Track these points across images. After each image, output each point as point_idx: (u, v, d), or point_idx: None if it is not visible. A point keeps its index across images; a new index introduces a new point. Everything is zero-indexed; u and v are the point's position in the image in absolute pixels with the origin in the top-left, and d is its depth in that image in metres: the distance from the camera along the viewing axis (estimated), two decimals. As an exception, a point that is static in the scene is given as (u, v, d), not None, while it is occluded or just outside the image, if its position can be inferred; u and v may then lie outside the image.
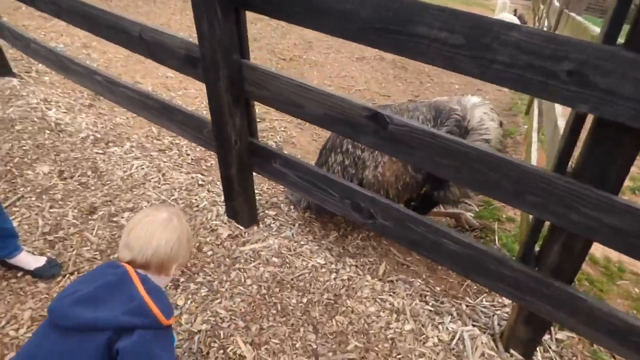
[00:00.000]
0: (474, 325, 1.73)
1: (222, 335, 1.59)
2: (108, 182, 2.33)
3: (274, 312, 1.70)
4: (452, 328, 1.70)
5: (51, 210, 2.11)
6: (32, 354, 0.90)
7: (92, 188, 2.28)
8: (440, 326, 1.71)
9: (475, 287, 1.97)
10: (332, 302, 1.76)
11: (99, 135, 2.77)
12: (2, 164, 2.41)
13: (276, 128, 3.36)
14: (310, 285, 1.83)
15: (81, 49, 4.47)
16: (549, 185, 1.19)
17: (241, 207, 2.04)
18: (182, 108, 2.06)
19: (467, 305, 1.84)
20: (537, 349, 1.65)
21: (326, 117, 1.55)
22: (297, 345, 1.58)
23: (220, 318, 1.65)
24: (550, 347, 1.69)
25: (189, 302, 1.70)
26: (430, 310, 1.78)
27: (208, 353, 1.52)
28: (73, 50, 4.37)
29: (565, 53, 1.00)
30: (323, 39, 6.22)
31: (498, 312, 1.85)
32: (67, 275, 1.77)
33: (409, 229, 1.58)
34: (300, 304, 1.74)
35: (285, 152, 1.83)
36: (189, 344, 1.55)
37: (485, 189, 1.32)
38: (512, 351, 1.64)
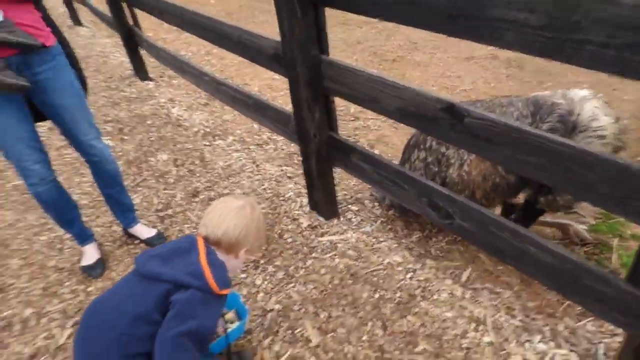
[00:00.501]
0: (571, 350, 1.52)
1: (292, 317, 1.66)
2: (210, 171, 2.61)
3: (344, 303, 1.72)
4: (542, 349, 1.52)
5: (164, 191, 2.44)
6: (116, 290, 1.16)
7: (198, 175, 2.57)
8: (527, 344, 1.54)
9: (578, 309, 1.72)
10: (405, 301, 1.71)
11: (208, 130, 3.10)
12: (135, 152, 2.86)
13: (370, 127, 3.36)
14: (384, 281, 1.80)
15: (204, 55, 5.04)
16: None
17: (321, 200, 2.10)
18: (273, 104, 2.20)
19: (565, 327, 1.62)
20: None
21: (401, 110, 1.52)
22: (363, 338, 1.58)
23: (293, 301, 1.73)
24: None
25: (265, 282, 1.81)
26: (517, 326, 1.61)
27: (277, 331, 1.61)
28: (198, 57, 4.95)
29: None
30: (430, 39, 6.01)
31: (606, 339, 1.59)
32: (170, 248, 2.03)
33: (491, 233, 1.46)
34: (371, 299, 1.73)
35: (364, 147, 1.83)
36: (262, 320, 1.65)
37: (580, 193, 1.16)
38: (615, 385, 1.40)
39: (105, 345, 1.02)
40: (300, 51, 1.68)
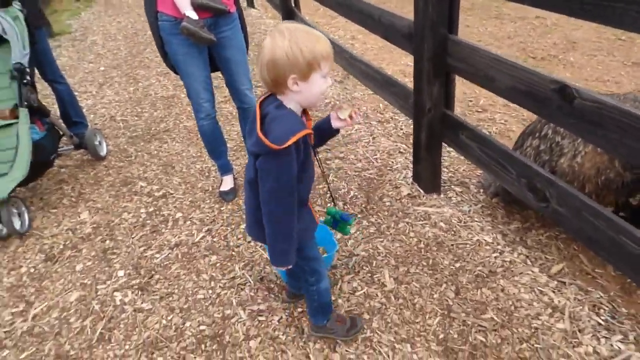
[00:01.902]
0: (653, 358, 1.43)
1: (374, 264, 1.87)
2: (334, 137, 2.92)
3: (424, 264, 1.86)
4: (618, 347, 1.45)
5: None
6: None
7: (321, 139, 2.92)
8: (603, 340, 1.49)
9: (679, 326, 1.57)
10: (484, 275, 1.78)
11: (337, 103, 3.43)
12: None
13: (496, 120, 3.29)
14: (468, 255, 1.88)
15: (349, 40, 5.40)
16: None
17: (425, 173, 2.23)
18: (397, 80, 2.39)
19: (656, 338, 1.51)
20: None
21: (515, 90, 1.58)
22: (434, 296, 1.71)
23: (378, 252, 1.93)
24: None
25: (358, 232, 2.05)
26: (599, 323, 1.55)
27: (358, 272, 1.84)
28: (343, 41, 5.34)
29: None
30: (592, 39, 5.39)
31: None
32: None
33: (586, 220, 1.44)
34: (451, 267, 1.83)
35: (473, 125, 1.91)
36: (347, 260, 1.90)
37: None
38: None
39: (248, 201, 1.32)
40: (430, 28, 1.84)
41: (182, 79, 2.13)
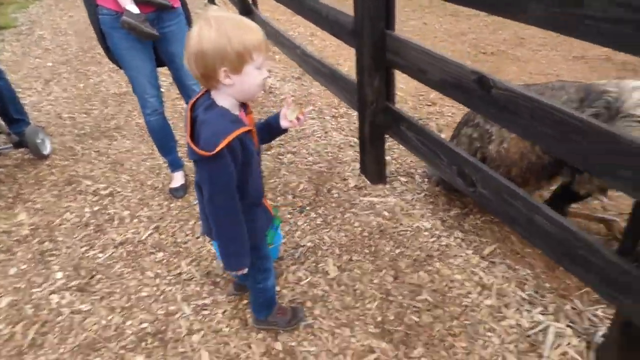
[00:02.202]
0: (568, 326, 1.55)
1: (319, 254, 1.93)
2: (287, 132, 2.96)
3: (367, 252, 1.93)
4: (539, 319, 1.57)
5: (243, 143, 2.86)
6: None
7: (273, 134, 2.95)
8: (525, 313, 1.60)
9: (595, 296, 1.70)
10: (422, 259, 1.86)
11: (293, 98, 3.41)
12: (227, 110, 3.35)
13: (444, 113, 3.42)
14: (408, 241, 1.97)
15: (309, 37, 5.44)
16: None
17: (371, 164, 2.30)
18: (344, 75, 2.44)
19: (572, 308, 1.63)
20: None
21: (443, 81, 1.66)
22: (374, 281, 1.78)
23: (323, 242, 1.99)
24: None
25: (305, 224, 2.10)
26: (523, 298, 1.67)
27: (304, 262, 1.89)
28: (303, 37, 5.37)
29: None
30: (538, 35, 5.66)
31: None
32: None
33: (506, 201, 1.55)
34: (391, 253, 1.91)
35: (410, 116, 1.99)
36: (294, 252, 1.95)
37: (580, 162, 1.22)
38: (606, 366, 1.42)
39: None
40: (369, 23, 1.90)
41: (126, 73, 2.11)
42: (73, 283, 1.89)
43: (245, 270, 1.30)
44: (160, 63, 2.20)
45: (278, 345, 1.55)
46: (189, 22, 2.19)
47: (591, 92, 1.67)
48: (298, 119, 1.34)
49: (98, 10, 1.95)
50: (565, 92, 1.75)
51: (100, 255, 2.03)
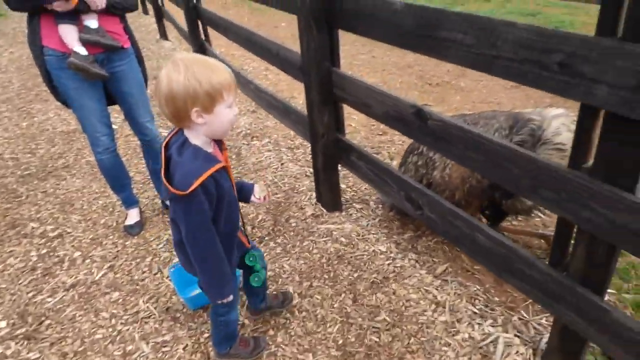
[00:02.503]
0: (516, 336, 1.66)
1: (279, 282, 1.96)
2: (243, 164, 3.01)
3: (326, 277, 1.98)
4: (489, 331, 1.68)
5: (200, 177, 2.88)
6: None
7: (232, 167, 2.98)
8: (476, 326, 1.70)
9: (538, 307, 1.84)
10: (379, 282, 1.94)
11: (249, 132, 3.53)
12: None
13: (395, 141, 3.61)
14: (365, 265, 2.04)
15: (263, 71, 5.59)
16: (560, 180, 1.20)
17: (326, 193, 2.39)
18: (296, 109, 2.56)
19: (519, 319, 1.76)
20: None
21: (387, 115, 1.80)
22: (334, 305, 1.83)
23: (284, 270, 2.02)
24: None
25: (265, 254, 2.13)
26: (475, 312, 1.78)
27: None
28: (257, 72, 5.51)
29: (554, 45, 1.06)
30: (477, 66, 6.14)
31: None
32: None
33: (450, 222, 1.67)
34: (350, 277, 1.98)
35: (360, 147, 2.11)
36: (254, 282, 1.97)
37: (507, 183, 1.37)
38: (549, 370, 1.53)
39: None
40: (314, 62, 2.02)
41: (74, 112, 2.09)
42: (19, 331, 1.79)
43: (231, 298, 1.32)
44: (111, 101, 2.21)
45: (241, 377, 1.55)
46: (140, 61, 2.22)
47: (518, 121, 1.87)
48: (264, 198, 1.47)
49: (44, 51, 1.94)
50: (496, 120, 1.93)
51: (49, 299, 1.95)
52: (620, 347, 1.21)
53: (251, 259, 1.50)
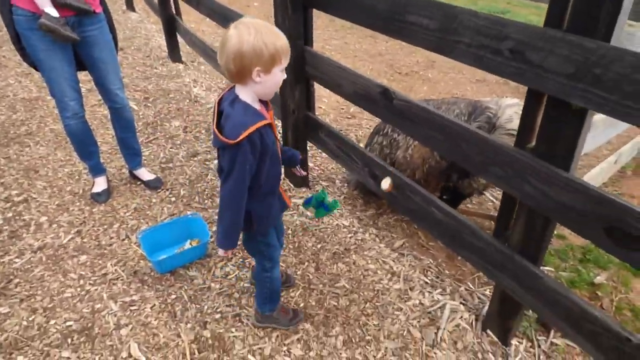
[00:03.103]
0: (462, 304, 1.83)
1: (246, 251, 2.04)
2: (212, 139, 3.03)
3: (291, 247, 2.08)
4: (438, 298, 1.84)
5: (170, 149, 2.88)
6: None
7: (201, 141, 3.01)
8: (427, 294, 1.86)
9: (484, 279, 2.02)
10: (340, 253, 2.06)
11: (219, 108, 3.55)
12: (153, 117, 3.33)
13: (362, 125, 3.73)
14: (328, 237, 2.16)
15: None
16: (507, 158, 1.34)
17: (294, 168, 2.48)
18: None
19: (466, 289, 1.93)
20: (523, 341, 1.68)
21: (356, 94, 1.89)
22: (298, 273, 1.93)
23: (250, 240, 2.11)
24: (539, 344, 1.70)
25: (232, 224, 2.20)
26: (426, 282, 1.93)
27: (231, 259, 1.99)
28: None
29: (507, 33, 1.18)
30: (447, 59, 6.34)
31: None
32: (164, 190, 2.46)
33: (408, 198, 1.80)
34: (313, 247, 2.08)
35: (328, 124, 2.21)
36: (222, 249, 2.04)
37: (461, 160, 1.50)
38: (488, 332, 1.70)
39: None
40: (288, 39, 2.07)
41: (43, 75, 2.06)
42: (-13, 289, 1.80)
43: (233, 249, 1.37)
44: (81, 67, 2.19)
45: (207, 333, 1.63)
46: (111, 29, 2.20)
47: (477, 108, 2.02)
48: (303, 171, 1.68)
49: (13, 10, 1.90)
50: (457, 106, 2.08)
51: (17, 260, 1.95)
52: (551, 311, 1.38)
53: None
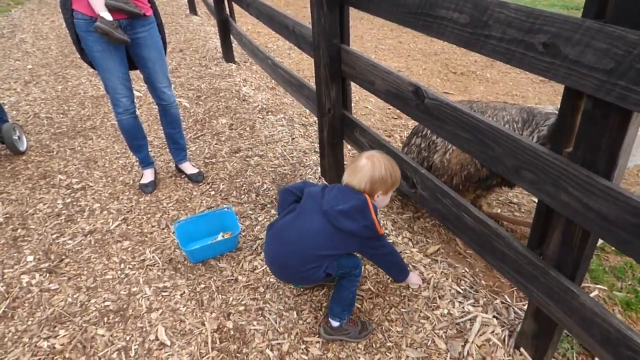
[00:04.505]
0: (495, 317, 1.71)
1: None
2: (255, 137, 3.12)
3: (321, 246, 2.07)
4: (468, 309, 1.74)
5: (215, 145, 3.00)
6: (301, 225, 1.55)
7: (244, 138, 3.10)
8: (457, 304, 1.76)
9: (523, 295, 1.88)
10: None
11: (265, 106, 3.63)
12: (203, 114, 3.49)
13: (408, 126, 3.62)
14: (359, 238, 2.12)
15: (287, 50, 5.64)
16: (541, 162, 1.23)
17: (330, 167, 2.47)
18: (308, 84, 2.62)
19: (502, 302, 1.81)
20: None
21: (388, 92, 1.85)
22: (324, 272, 1.92)
23: (281, 237, 2.13)
24: (577, 368, 1.55)
25: (265, 220, 2.24)
26: (458, 292, 1.84)
27: (260, 253, 2.03)
28: (282, 51, 5.57)
29: (540, 26, 1.09)
30: (506, 58, 5.99)
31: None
32: (205, 184, 2.57)
33: (439, 200, 1.72)
34: (343, 248, 2.06)
35: (362, 123, 2.17)
36: (252, 244, 2.08)
37: (493, 163, 1.40)
38: (522, 350, 1.58)
39: (294, 256, 1.51)
40: (324, 38, 2.08)
41: (99, 73, 2.23)
42: (43, 265, 1.99)
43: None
44: (133, 66, 2.34)
45: (229, 324, 1.67)
46: (160, 30, 2.33)
47: (535, 115, 1.84)
48: None
49: (74, 14, 2.08)
50: (506, 112, 1.93)
51: (69, 242, 2.13)
52: (586, 332, 1.25)
53: None
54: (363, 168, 1.51)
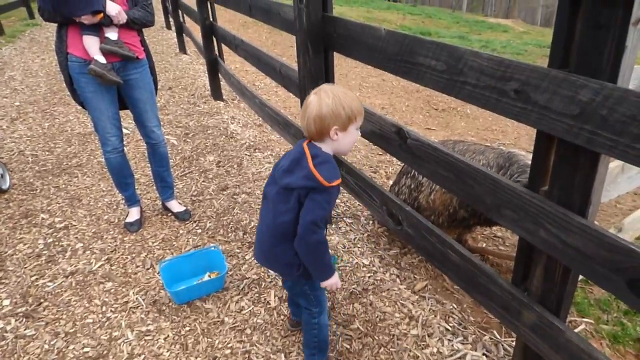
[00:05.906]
0: (484, 355, 1.71)
1: (262, 286, 2.04)
2: (243, 174, 3.14)
3: (308, 284, 2.06)
4: (458, 347, 1.73)
5: (202, 182, 3.01)
6: (266, 194, 1.44)
7: (232, 175, 3.12)
8: (446, 342, 1.76)
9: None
10: (357, 293, 2.01)
11: (253, 144, 3.68)
12: (190, 151, 3.51)
13: (393, 162, 3.70)
14: (347, 276, 2.12)
15: (274, 87, 5.78)
16: (520, 200, 1.28)
17: (317, 204, 2.49)
18: (295, 123, 2.69)
19: (491, 339, 1.81)
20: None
21: (372, 133, 1.91)
22: (312, 311, 1.90)
23: (268, 275, 2.11)
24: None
25: (252, 258, 2.23)
26: (447, 329, 1.83)
27: (247, 292, 2.00)
28: (269, 88, 5.71)
29: (511, 74, 1.16)
30: (486, 95, 6.22)
31: None
32: (192, 222, 2.55)
33: (425, 238, 1.75)
34: (331, 286, 2.05)
35: (348, 162, 2.22)
36: (239, 283, 2.06)
37: (474, 202, 1.45)
38: (511, 388, 1.57)
39: (267, 232, 1.41)
40: (310, 80, 2.16)
41: (89, 114, 2.26)
42: (20, 310, 1.92)
43: (335, 275, 1.44)
44: (123, 106, 2.38)
45: (215, 369, 1.63)
46: (152, 72, 2.40)
47: (514, 163, 1.87)
48: None
49: (68, 57, 2.13)
50: (484, 156, 1.99)
51: (49, 284, 2.08)
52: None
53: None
54: (309, 105, 1.32)
